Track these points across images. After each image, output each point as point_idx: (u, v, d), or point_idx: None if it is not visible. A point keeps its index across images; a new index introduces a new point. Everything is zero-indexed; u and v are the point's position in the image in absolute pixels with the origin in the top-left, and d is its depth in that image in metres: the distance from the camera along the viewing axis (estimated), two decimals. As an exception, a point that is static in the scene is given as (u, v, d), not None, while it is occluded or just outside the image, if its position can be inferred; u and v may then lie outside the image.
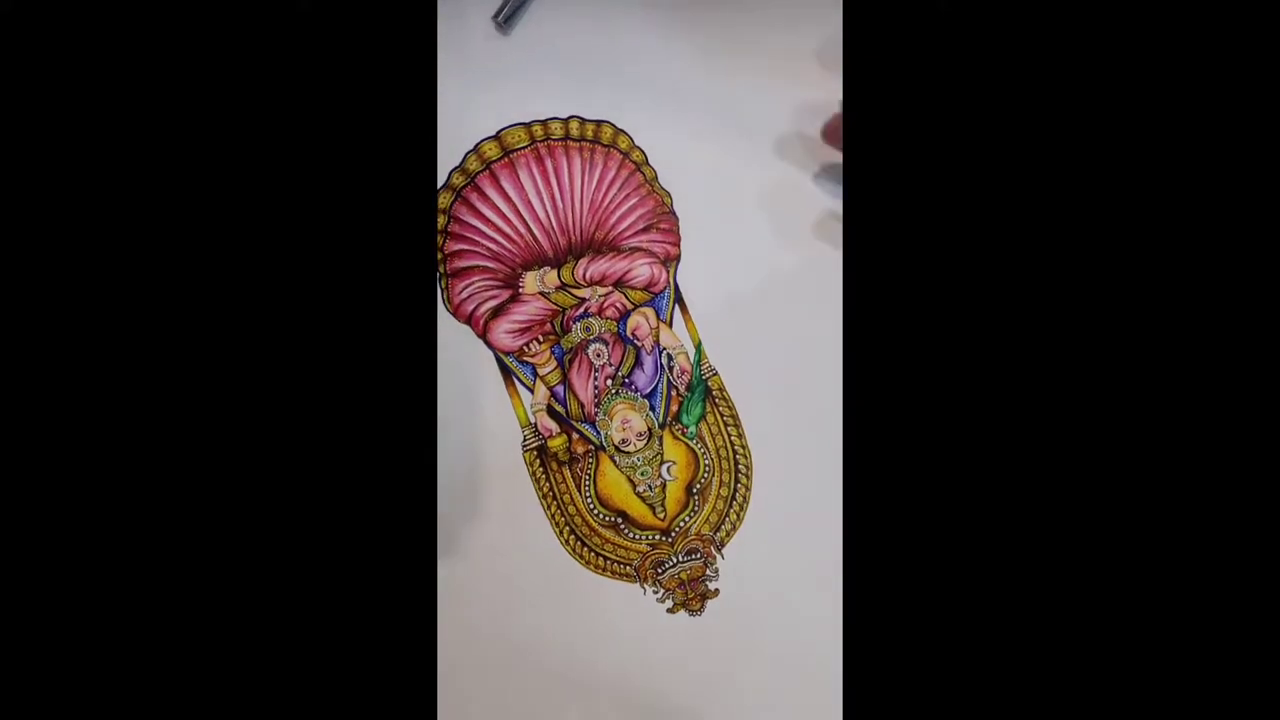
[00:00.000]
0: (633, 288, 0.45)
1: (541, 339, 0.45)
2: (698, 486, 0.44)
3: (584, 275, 0.44)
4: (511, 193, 0.45)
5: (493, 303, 0.45)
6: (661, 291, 0.45)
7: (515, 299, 0.45)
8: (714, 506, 0.44)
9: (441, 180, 0.45)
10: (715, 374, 0.44)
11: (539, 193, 0.45)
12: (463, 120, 0.45)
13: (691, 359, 0.45)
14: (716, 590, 0.43)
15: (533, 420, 0.44)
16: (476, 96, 0.45)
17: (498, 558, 0.43)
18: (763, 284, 0.45)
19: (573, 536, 0.43)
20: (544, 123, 0.45)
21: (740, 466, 0.44)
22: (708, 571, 0.43)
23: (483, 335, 0.45)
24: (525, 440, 0.44)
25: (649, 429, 0.44)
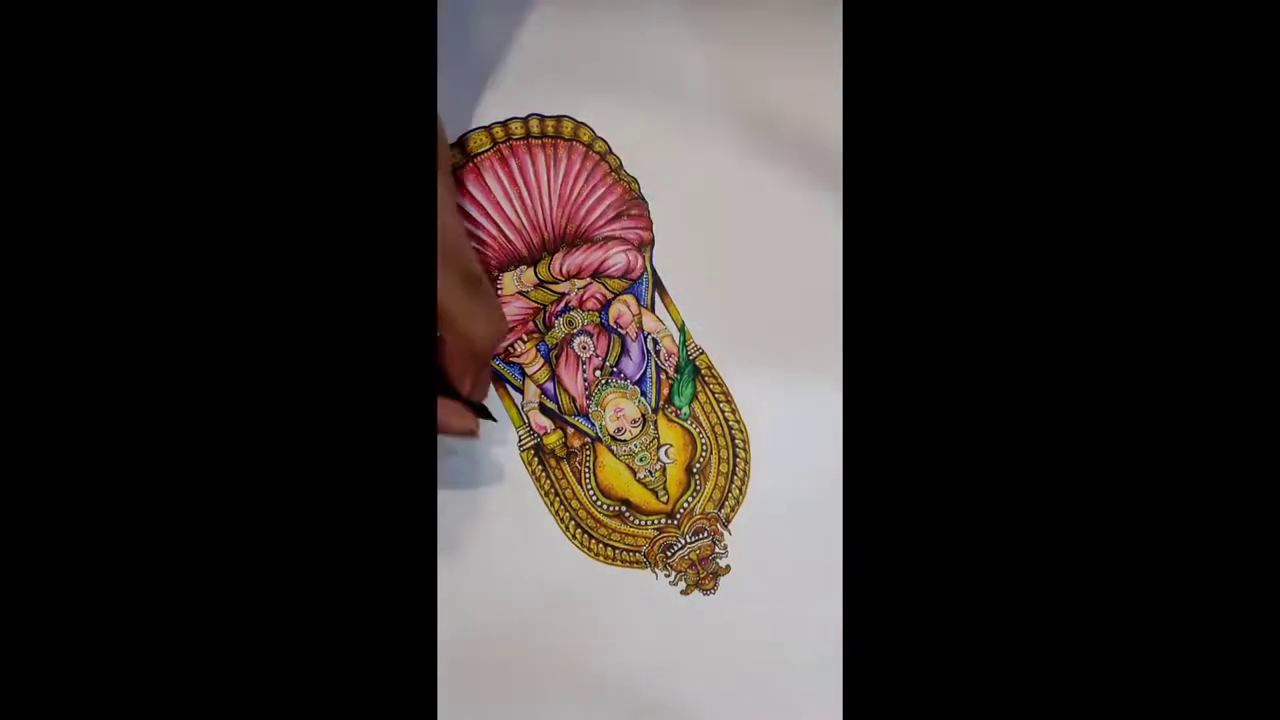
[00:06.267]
0: (610, 276, 0.45)
1: (526, 338, 0.45)
2: (697, 466, 0.44)
3: (561, 270, 0.44)
4: (479, 196, 0.45)
5: (474, 309, 0.45)
6: (639, 277, 0.45)
7: (495, 302, 0.45)
8: (715, 484, 0.44)
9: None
10: (702, 353, 0.44)
11: (507, 193, 0.45)
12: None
13: (677, 340, 0.45)
14: (728, 566, 0.43)
15: (526, 420, 0.44)
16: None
17: (505, 559, 0.43)
18: (738, 258, 0.45)
19: (579, 530, 0.43)
20: (504, 124, 0.45)
21: (737, 441, 0.44)
22: (717, 549, 0.43)
23: (467, 341, 0.45)
24: (521, 440, 0.44)
25: (642, 415, 0.44)
